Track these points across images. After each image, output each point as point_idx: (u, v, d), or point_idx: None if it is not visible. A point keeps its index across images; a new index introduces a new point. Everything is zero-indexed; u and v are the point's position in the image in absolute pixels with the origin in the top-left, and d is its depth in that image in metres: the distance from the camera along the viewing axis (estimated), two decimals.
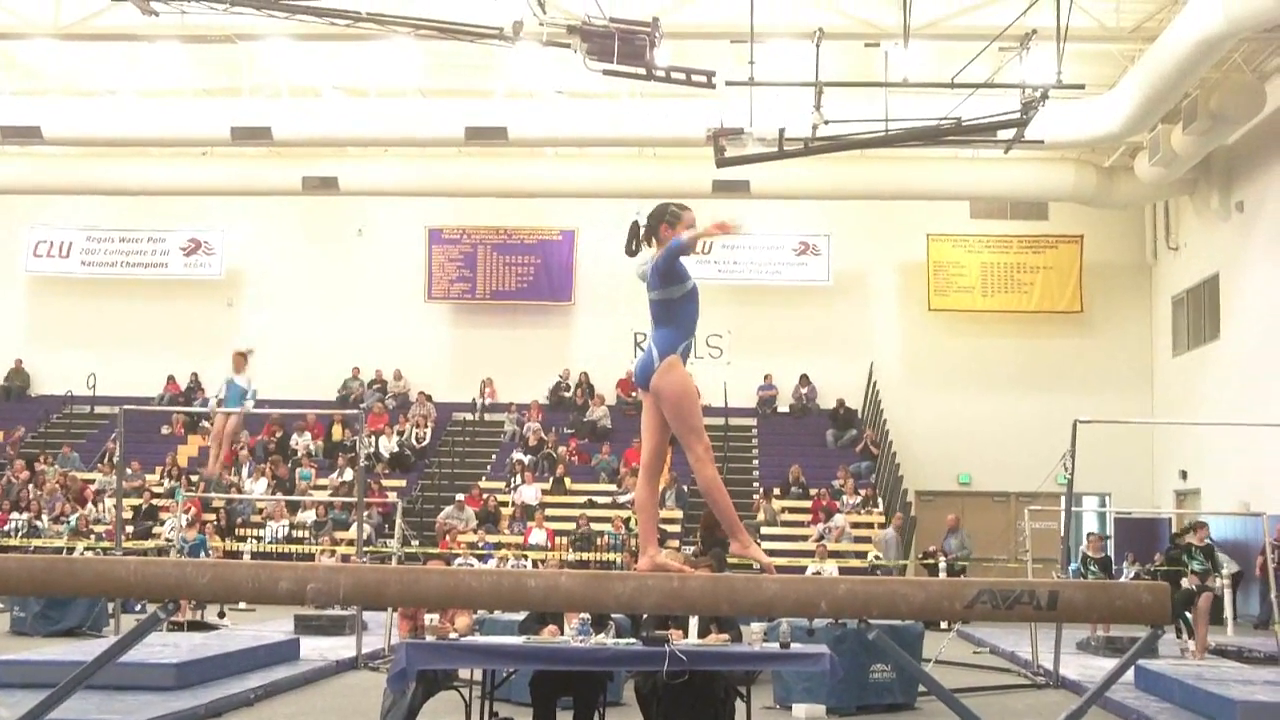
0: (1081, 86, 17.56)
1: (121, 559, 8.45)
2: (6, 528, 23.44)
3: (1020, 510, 19.84)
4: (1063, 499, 14.38)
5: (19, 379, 29.16)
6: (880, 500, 24.55)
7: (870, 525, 23.58)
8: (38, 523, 23.59)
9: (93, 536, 22.37)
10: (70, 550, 20.28)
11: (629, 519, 23.33)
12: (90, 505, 24.11)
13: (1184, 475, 24.89)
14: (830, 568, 20.76)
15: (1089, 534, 18.25)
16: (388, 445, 26.68)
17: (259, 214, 28.34)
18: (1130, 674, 12.18)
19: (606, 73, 15.53)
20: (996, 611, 6.02)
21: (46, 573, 6.51)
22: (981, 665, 15.39)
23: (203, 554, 17.92)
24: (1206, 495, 23.82)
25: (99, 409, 27.99)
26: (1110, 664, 8.62)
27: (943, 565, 22.28)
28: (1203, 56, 18.11)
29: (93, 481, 25.09)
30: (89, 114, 23.86)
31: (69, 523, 23.16)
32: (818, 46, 15.72)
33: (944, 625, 16.84)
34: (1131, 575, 19.23)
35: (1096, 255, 27.31)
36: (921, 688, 11.30)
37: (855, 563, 21.99)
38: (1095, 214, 26.56)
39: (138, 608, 16.44)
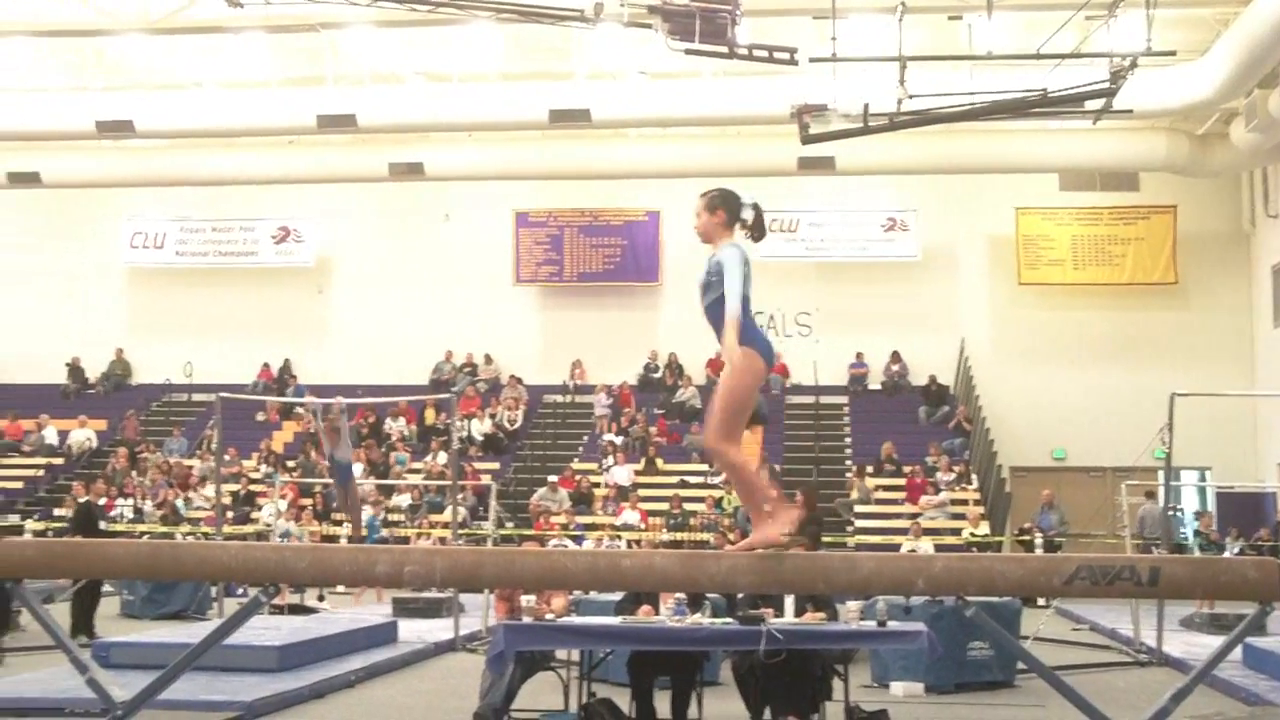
0: (1172, 53, 17.12)
1: (223, 544, 8.62)
2: (113, 513, 23.96)
3: (1116, 485, 19.55)
4: (1161, 473, 14.15)
5: (120, 369, 29.78)
6: (974, 477, 24.31)
7: (965, 502, 23.36)
8: (143, 505, 24.10)
9: (186, 524, 22.87)
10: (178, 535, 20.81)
11: (721, 498, 23.33)
12: (192, 490, 24.61)
13: None
14: (925, 545, 20.63)
15: (1196, 512, 17.92)
16: (480, 428, 26.88)
17: (347, 201, 28.64)
18: (1238, 651, 11.96)
19: (688, 52, 15.45)
20: (1096, 588, 5.94)
21: (152, 558, 6.67)
22: (1081, 642, 15.22)
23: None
24: None
25: (196, 396, 28.49)
26: (1216, 641, 8.45)
27: (1039, 542, 22.01)
28: None
29: (192, 468, 25.57)
30: (178, 107, 24.22)
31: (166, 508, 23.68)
32: (900, 20, 15.55)
33: (1041, 602, 16.64)
34: (1236, 551, 18.89)
35: (1191, 225, 26.75)
36: (1020, 665, 11.19)
37: (950, 540, 21.81)
38: (1188, 183, 26.01)
39: (239, 591, 16.75)
